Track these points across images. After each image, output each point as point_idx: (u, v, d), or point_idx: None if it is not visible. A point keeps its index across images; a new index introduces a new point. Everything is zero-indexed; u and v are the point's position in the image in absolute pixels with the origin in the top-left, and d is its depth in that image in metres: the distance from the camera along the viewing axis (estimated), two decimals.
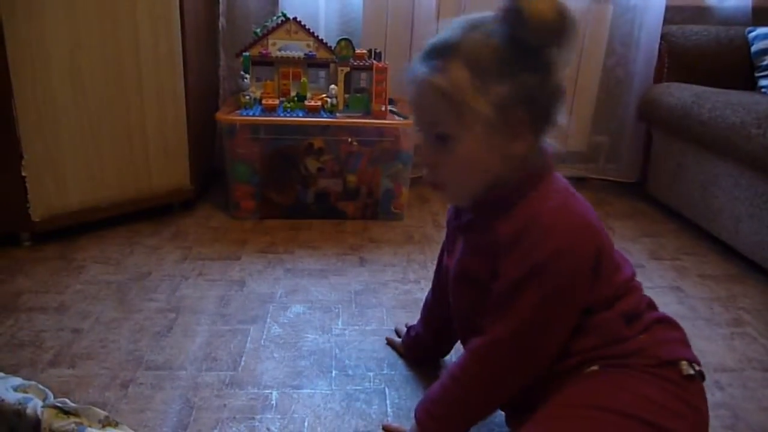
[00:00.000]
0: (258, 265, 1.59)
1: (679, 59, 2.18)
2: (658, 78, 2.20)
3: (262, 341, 1.25)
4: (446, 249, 1.06)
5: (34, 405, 0.78)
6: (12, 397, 0.80)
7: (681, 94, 1.97)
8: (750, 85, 2.12)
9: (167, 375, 1.13)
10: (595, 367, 0.81)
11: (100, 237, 1.71)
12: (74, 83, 1.58)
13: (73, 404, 0.78)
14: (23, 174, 1.54)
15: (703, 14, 2.33)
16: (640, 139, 2.29)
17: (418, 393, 1.11)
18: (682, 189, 2.00)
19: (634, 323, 0.83)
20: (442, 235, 1.80)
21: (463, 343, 1.00)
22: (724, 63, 2.16)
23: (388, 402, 1.08)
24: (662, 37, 2.19)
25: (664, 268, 1.69)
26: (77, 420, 0.77)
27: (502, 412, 0.98)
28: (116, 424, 0.77)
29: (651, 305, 0.89)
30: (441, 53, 0.77)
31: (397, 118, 1.93)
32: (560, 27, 0.72)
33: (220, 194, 2.05)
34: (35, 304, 1.36)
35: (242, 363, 1.17)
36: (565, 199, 0.81)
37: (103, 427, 0.76)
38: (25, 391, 0.81)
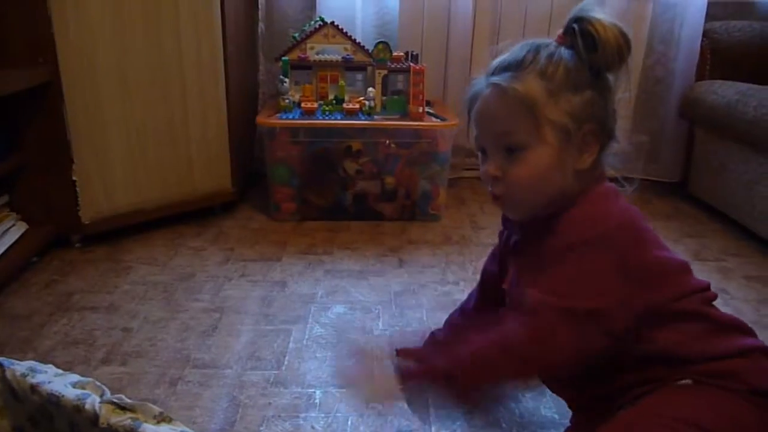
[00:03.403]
0: (298, 266, 1.62)
1: (722, 56, 2.13)
2: (701, 76, 2.15)
3: (305, 341, 1.27)
4: (495, 270, 1.04)
5: (92, 401, 0.81)
6: (71, 393, 0.83)
7: (724, 91, 1.93)
8: None
9: (214, 373, 1.16)
10: (688, 381, 0.78)
11: (145, 239, 1.76)
12: (121, 89, 1.63)
13: (129, 400, 0.81)
14: (74, 178, 1.60)
15: (746, 10, 2.28)
16: (682, 138, 2.25)
17: None
18: (726, 189, 1.96)
19: (723, 342, 0.80)
20: (480, 237, 1.82)
21: None
22: None
23: (429, 402, 1.09)
24: (704, 33, 2.14)
25: (708, 269, 1.66)
26: (133, 416, 0.79)
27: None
28: (170, 420, 0.79)
29: (744, 329, 0.84)
30: (513, 67, 0.79)
31: (434, 119, 1.93)
32: (625, 53, 0.79)
33: (260, 196, 2.09)
34: (87, 303, 1.41)
35: (286, 362, 1.20)
36: (606, 201, 0.81)
37: (158, 422, 0.79)
38: (83, 388, 0.85)
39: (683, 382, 0.79)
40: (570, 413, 0.97)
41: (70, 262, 1.61)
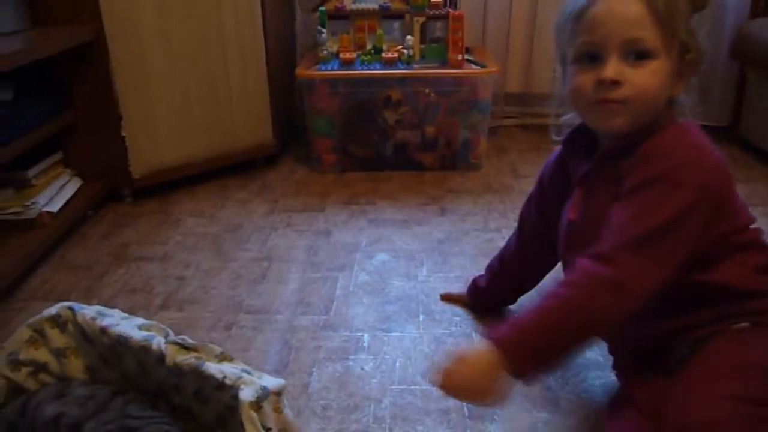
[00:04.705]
0: (342, 215, 1.65)
1: None
2: (755, 12, 2.05)
3: (351, 287, 1.31)
4: (541, 203, 1.06)
5: (158, 341, 0.87)
6: (138, 335, 0.89)
7: None
8: None
9: (266, 318, 1.21)
10: (745, 324, 0.79)
11: (193, 192, 1.82)
12: (164, 46, 1.65)
13: (192, 341, 0.86)
14: (123, 134, 1.65)
15: None
16: (733, 79, 2.16)
17: None
18: None
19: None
20: (521, 185, 1.81)
21: None
22: None
23: (476, 343, 1.12)
24: None
25: (758, 214, 1.61)
26: (197, 355, 0.84)
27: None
28: (231, 359, 0.84)
29: None
30: None
31: (474, 67, 1.91)
32: None
33: (301, 148, 2.11)
34: (142, 254, 1.47)
35: (334, 308, 1.24)
36: (695, 136, 0.81)
37: (220, 361, 0.84)
38: (148, 330, 0.90)
39: (741, 325, 0.79)
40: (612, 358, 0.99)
41: (124, 215, 1.68)
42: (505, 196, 1.76)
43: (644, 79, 0.78)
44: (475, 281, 1.22)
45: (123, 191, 1.75)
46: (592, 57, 0.80)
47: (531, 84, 2.29)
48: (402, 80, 1.87)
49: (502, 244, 1.45)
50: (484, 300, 1.21)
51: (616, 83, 0.78)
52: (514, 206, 1.66)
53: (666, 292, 0.77)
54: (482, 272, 1.23)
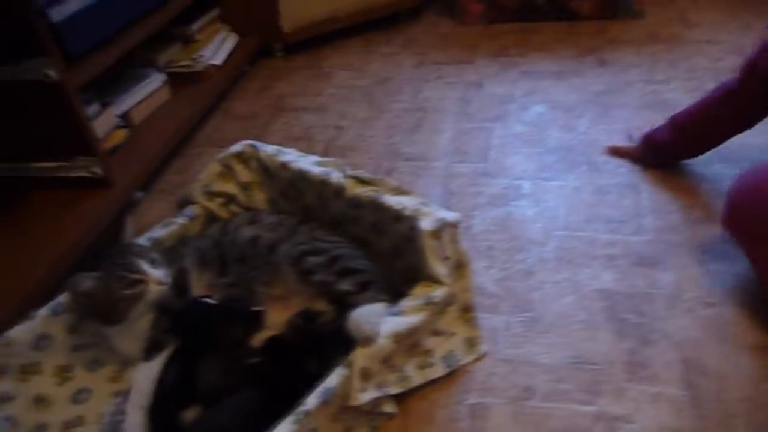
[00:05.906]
0: (492, 68, 1.59)
1: None
2: None
3: (507, 137, 1.29)
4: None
5: (337, 175, 0.91)
6: (316, 169, 0.94)
7: None
8: None
9: (423, 165, 1.23)
10: None
11: (340, 46, 1.82)
12: None
13: (368, 175, 0.90)
14: None
15: None
16: None
17: (673, 188, 1.09)
18: None
19: None
20: (693, 34, 1.64)
21: None
22: None
23: (643, 195, 1.08)
24: None
25: None
26: (374, 188, 0.88)
27: None
28: (408, 193, 0.87)
29: None
30: None
31: None
32: None
33: (445, 1, 2.02)
34: (299, 105, 1.53)
35: (491, 156, 1.23)
36: None
37: (397, 195, 0.87)
38: (325, 165, 0.95)
39: None
40: None
41: (277, 69, 1.73)
42: (674, 45, 1.59)
43: None
44: (650, 135, 1.14)
45: (275, 46, 1.79)
46: None
47: None
48: None
49: (670, 96, 1.35)
50: (660, 154, 1.13)
51: None
52: (684, 56, 1.51)
53: None
54: (649, 125, 1.16)
